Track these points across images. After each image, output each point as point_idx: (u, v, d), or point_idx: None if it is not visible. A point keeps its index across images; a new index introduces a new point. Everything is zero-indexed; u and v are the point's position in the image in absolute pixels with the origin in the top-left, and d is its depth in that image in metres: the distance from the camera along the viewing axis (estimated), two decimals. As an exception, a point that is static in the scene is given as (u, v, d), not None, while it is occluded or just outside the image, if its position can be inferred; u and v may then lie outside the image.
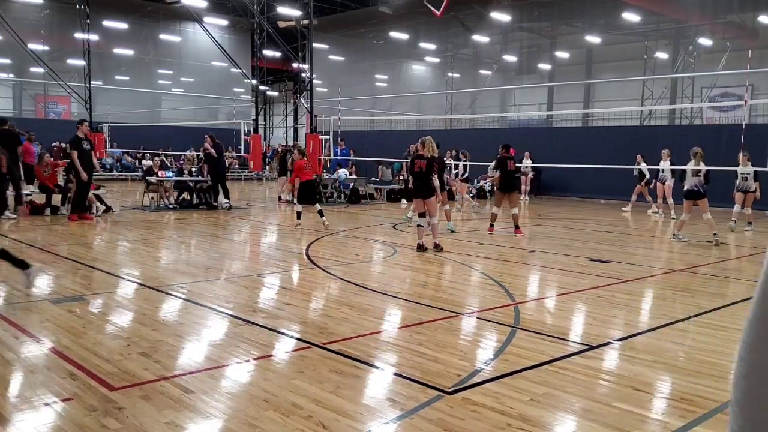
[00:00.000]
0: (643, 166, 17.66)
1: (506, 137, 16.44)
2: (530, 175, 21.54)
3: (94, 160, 13.61)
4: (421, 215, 10.09)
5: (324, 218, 12.39)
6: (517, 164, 13.36)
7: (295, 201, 13.04)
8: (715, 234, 11.03)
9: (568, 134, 25.63)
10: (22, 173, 14.04)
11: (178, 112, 41.18)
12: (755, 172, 13.47)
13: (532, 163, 20.93)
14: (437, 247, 9.92)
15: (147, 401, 3.76)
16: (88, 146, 13.06)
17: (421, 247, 9.90)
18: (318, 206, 12.74)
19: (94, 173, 13.50)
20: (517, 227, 12.04)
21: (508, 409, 3.76)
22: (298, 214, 12.65)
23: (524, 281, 8.27)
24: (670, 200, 16.03)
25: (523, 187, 21.04)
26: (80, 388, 3.95)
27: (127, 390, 3.93)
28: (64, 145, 19.22)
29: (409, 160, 16.32)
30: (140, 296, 6.72)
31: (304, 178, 12.57)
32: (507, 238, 11.80)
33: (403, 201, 17.68)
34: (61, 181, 15.31)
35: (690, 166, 11.33)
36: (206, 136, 16.20)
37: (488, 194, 22.42)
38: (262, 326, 5.48)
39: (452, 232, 12.29)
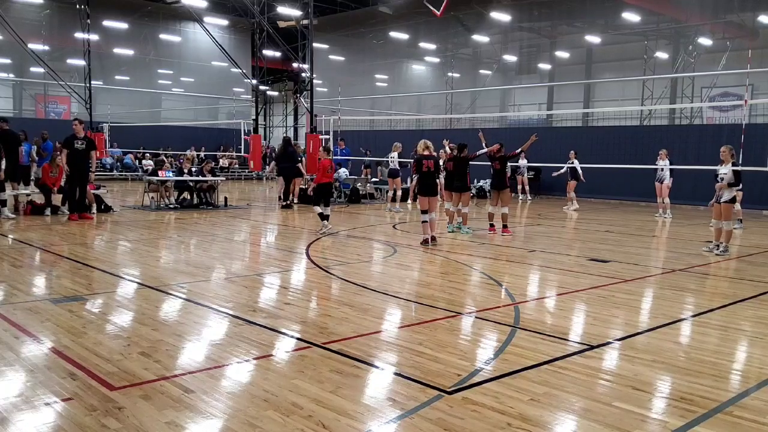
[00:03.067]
0: (576, 163, 17.78)
1: (506, 137, 16.47)
2: (526, 175, 21.55)
3: (93, 159, 13.41)
4: (424, 212, 10.51)
5: (328, 223, 11.92)
6: (512, 164, 13.43)
7: (319, 204, 11.79)
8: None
9: (568, 134, 25.62)
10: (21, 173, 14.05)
11: (178, 112, 41.20)
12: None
13: (529, 162, 20.94)
14: (433, 240, 10.47)
15: (147, 401, 3.77)
16: (82, 145, 12.86)
17: (426, 242, 10.44)
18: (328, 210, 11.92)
19: (91, 172, 13.39)
20: (505, 227, 12.14)
21: (508, 409, 3.76)
22: (327, 217, 11.79)
23: (524, 281, 8.27)
24: (667, 200, 16.03)
25: (519, 186, 21.06)
26: (80, 387, 3.95)
27: (127, 390, 3.93)
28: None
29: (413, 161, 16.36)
30: (140, 296, 6.71)
31: (325, 180, 11.73)
32: (506, 237, 11.81)
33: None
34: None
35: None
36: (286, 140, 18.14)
37: (488, 194, 22.44)
38: (262, 326, 5.48)
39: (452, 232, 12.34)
